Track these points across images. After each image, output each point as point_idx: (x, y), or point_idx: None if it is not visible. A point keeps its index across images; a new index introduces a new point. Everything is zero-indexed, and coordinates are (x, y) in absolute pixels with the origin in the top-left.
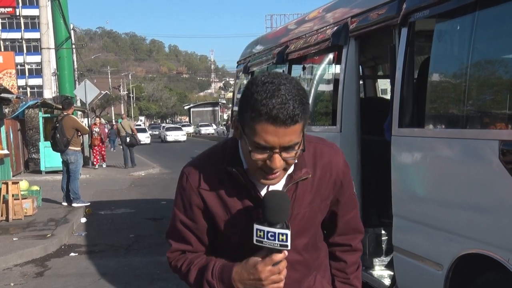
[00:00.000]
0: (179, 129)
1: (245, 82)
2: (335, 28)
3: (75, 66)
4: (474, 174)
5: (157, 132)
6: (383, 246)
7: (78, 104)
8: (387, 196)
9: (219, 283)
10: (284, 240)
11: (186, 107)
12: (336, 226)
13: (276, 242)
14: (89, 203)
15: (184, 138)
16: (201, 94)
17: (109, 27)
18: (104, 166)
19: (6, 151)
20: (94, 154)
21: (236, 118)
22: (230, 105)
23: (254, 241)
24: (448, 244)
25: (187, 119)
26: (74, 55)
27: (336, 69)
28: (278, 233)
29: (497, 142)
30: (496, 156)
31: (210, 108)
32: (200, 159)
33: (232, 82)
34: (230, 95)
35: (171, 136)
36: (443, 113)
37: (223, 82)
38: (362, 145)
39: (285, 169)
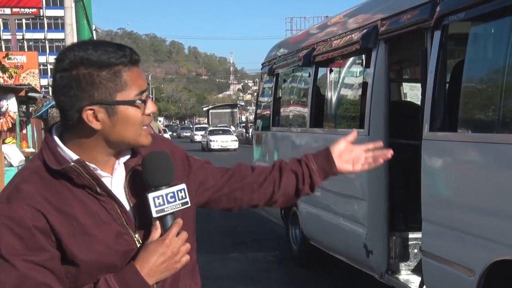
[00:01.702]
0: (227, 132)
1: (269, 84)
2: (364, 30)
3: None
4: (507, 179)
5: (188, 134)
6: (409, 250)
7: None
8: (414, 201)
9: None
10: (184, 196)
11: (204, 109)
12: (245, 186)
13: (178, 202)
14: None
15: (235, 145)
16: (220, 95)
17: (130, 28)
18: None
19: (32, 149)
20: None
21: (89, 109)
22: (249, 107)
23: (154, 215)
24: (481, 250)
25: (205, 121)
26: None
27: (365, 72)
28: (177, 191)
29: None
30: None
31: (229, 110)
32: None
33: (250, 84)
34: (248, 97)
35: (217, 142)
36: (476, 118)
37: (242, 84)
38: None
39: None
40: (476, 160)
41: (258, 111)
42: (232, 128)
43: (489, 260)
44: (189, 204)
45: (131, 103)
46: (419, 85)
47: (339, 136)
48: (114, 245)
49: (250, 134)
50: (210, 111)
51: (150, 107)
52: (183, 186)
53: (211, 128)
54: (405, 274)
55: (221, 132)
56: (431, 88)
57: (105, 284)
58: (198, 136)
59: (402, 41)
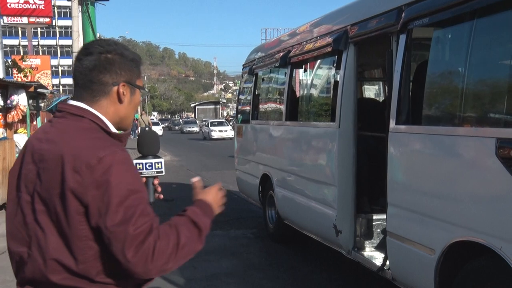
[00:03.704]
0: (223, 123)
1: (249, 79)
2: (336, 34)
3: None
4: (464, 168)
5: (192, 129)
6: (373, 230)
7: None
8: (378, 186)
9: (208, 219)
10: (160, 167)
11: (192, 105)
12: None
13: (153, 170)
14: None
15: (232, 134)
16: (205, 94)
17: (129, 36)
18: None
19: None
20: None
21: (123, 85)
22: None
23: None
24: (442, 231)
25: (193, 115)
26: None
27: (336, 71)
28: (154, 162)
29: (488, 139)
30: (488, 151)
31: (213, 106)
32: (106, 144)
33: (231, 85)
34: (229, 95)
35: (217, 132)
36: (437, 112)
37: (224, 84)
38: (357, 140)
39: None
40: (436, 151)
41: (239, 106)
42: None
43: (448, 241)
44: (164, 173)
45: (143, 89)
46: (372, 86)
47: (314, 129)
48: None
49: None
50: (197, 107)
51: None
52: (161, 160)
53: (211, 120)
54: (369, 251)
55: (216, 123)
56: (397, 86)
57: (192, 210)
58: (187, 128)
59: (368, 44)
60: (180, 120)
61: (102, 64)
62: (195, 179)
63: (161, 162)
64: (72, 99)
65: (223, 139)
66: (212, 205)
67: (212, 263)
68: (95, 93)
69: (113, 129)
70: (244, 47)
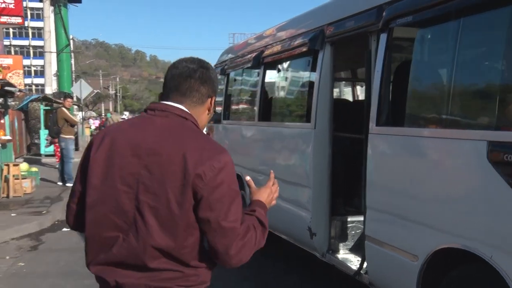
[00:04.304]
0: None
1: (220, 80)
2: (312, 33)
3: (73, 69)
4: (448, 171)
5: None
6: (348, 232)
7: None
8: (352, 188)
9: (267, 219)
10: None
11: None
12: None
13: None
14: None
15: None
16: None
17: (102, 39)
18: None
19: (8, 137)
20: None
21: (213, 97)
22: None
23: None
24: (426, 237)
25: None
26: (72, 59)
27: (312, 71)
28: None
29: (477, 141)
30: (472, 153)
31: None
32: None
33: None
34: None
35: None
36: (420, 113)
37: None
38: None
39: None
40: (420, 153)
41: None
42: None
43: (434, 247)
44: None
45: (215, 103)
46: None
47: (289, 129)
48: None
49: None
50: None
51: None
52: None
53: None
54: (344, 253)
55: None
56: (378, 86)
57: (259, 212)
58: None
59: (345, 45)
60: None
61: (204, 78)
62: (248, 178)
63: None
64: (166, 100)
65: None
66: (267, 205)
67: None
68: (194, 100)
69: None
70: (212, 50)
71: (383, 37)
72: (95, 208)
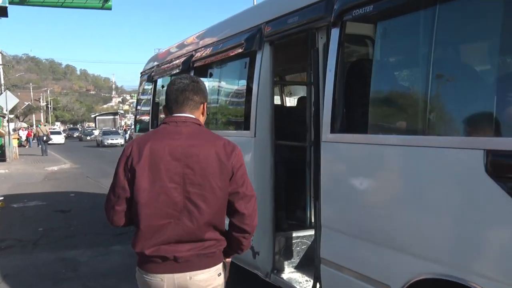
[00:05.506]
0: (115, 133)
1: (147, 87)
2: (249, 33)
3: (2, 82)
4: (418, 184)
5: (115, 141)
6: (292, 248)
7: (5, 111)
8: (295, 200)
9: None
10: None
11: (92, 116)
12: None
13: None
14: (2, 197)
15: (122, 141)
16: (105, 106)
17: (33, 54)
18: None
19: None
20: None
21: (206, 103)
22: (127, 115)
23: None
24: (400, 264)
25: (93, 125)
26: (1, 73)
27: (250, 74)
28: None
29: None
30: (450, 162)
31: (112, 117)
32: None
33: (128, 98)
34: (127, 107)
35: (109, 140)
36: (384, 118)
37: (121, 97)
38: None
39: None
40: (386, 164)
41: (137, 116)
42: (120, 132)
43: (413, 277)
44: None
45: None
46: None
47: (226, 138)
48: None
49: (128, 135)
50: (97, 117)
51: None
52: None
53: (104, 129)
54: (289, 272)
55: (110, 133)
56: (331, 89)
57: None
58: (108, 140)
59: (286, 44)
60: (94, 130)
61: (196, 89)
62: None
63: None
64: (177, 112)
65: (115, 145)
66: None
67: None
68: (191, 107)
69: None
70: (139, 64)
71: (335, 32)
72: (150, 204)
